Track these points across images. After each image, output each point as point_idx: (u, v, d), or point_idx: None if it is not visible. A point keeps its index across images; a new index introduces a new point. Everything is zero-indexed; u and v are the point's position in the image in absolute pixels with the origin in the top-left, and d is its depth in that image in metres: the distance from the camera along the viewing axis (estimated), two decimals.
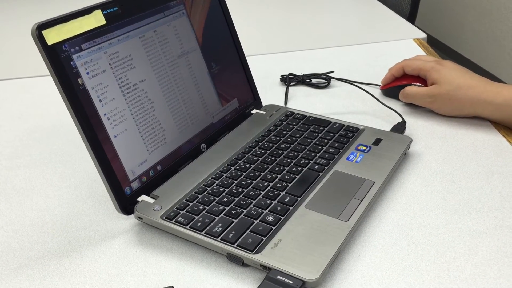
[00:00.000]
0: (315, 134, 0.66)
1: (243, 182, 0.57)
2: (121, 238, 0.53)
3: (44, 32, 0.47)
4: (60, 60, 0.48)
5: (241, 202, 0.54)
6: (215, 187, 0.56)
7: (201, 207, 0.53)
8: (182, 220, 0.51)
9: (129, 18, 0.55)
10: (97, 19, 0.52)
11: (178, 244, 0.52)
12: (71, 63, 0.49)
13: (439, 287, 0.46)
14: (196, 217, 0.52)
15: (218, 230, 0.50)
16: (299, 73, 0.88)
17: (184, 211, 0.53)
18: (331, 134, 0.66)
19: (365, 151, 0.62)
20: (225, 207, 0.53)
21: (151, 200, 0.55)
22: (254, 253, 0.47)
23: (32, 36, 0.47)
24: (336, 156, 0.61)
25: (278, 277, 0.45)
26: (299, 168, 0.59)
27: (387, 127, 0.70)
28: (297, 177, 0.58)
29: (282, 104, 0.79)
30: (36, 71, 0.95)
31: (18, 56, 1.03)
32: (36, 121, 0.78)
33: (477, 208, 0.55)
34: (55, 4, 1.37)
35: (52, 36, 0.48)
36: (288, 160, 0.61)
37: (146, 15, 0.58)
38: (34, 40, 0.47)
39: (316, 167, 0.60)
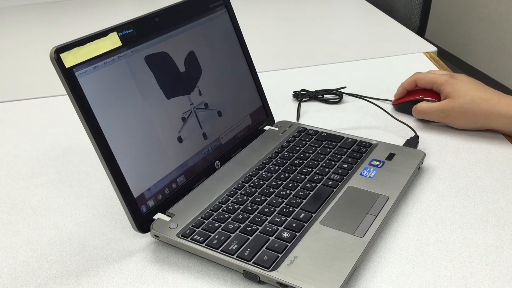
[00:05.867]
0: (328, 149, 0.66)
1: (258, 199, 0.57)
2: (138, 256, 0.54)
3: (62, 55, 0.48)
4: (77, 82, 0.50)
5: (256, 219, 0.54)
6: (230, 204, 0.57)
7: (216, 225, 0.53)
8: (198, 237, 0.52)
9: (144, 40, 0.57)
10: (113, 41, 0.53)
11: (194, 262, 0.52)
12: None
13: None
14: (212, 235, 0.52)
15: (234, 248, 0.50)
16: (311, 89, 0.88)
17: (199, 229, 0.53)
18: (344, 150, 0.66)
19: (379, 166, 0.62)
20: (241, 224, 0.53)
21: (167, 218, 0.55)
22: (271, 270, 0.48)
23: (50, 59, 0.48)
24: (349, 172, 0.62)
25: None
26: (313, 184, 0.59)
27: (400, 142, 0.70)
28: (311, 193, 0.58)
29: (295, 120, 0.80)
30: (53, 91, 0.96)
31: (35, 76, 1.05)
32: (53, 141, 0.79)
33: (493, 222, 0.55)
34: (71, 27, 1.40)
35: (70, 59, 0.49)
36: (302, 176, 0.61)
37: (160, 37, 0.59)
38: (53, 63, 0.48)
39: (330, 183, 0.60)
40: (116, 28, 0.54)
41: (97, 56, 0.52)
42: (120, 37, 0.54)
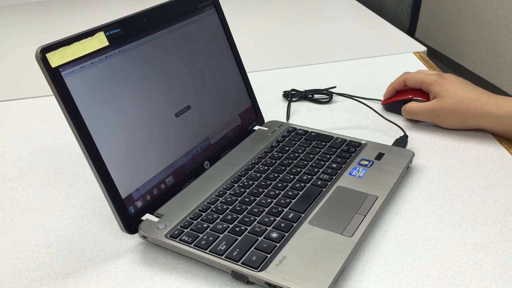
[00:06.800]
0: (317, 149, 0.66)
1: (247, 199, 0.57)
2: (126, 257, 0.53)
3: (48, 55, 0.48)
4: (63, 82, 0.49)
5: (245, 219, 0.54)
6: (218, 205, 0.56)
7: (205, 225, 0.53)
8: (187, 238, 0.52)
9: (131, 40, 0.56)
10: (100, 41, 0.53)
11: (182, 263, 0.52)
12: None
13: None
14: (200, 235, 0.52)
15: (222, 248, 0.50)
16: (301, 88, 0.88)
17: (188, 229, 0.53)
18: (334, 149, 0.66)
19: (368, 166, 0.62)
20: (229, 225, 0.53)
21: (155, 219, 0.55)
22: (259, 271, 0.48)
23: (36, 59, 0.48)
24: (338, 171, 0.62)
25: None
26: (302, 184, 0.59)
27: (389, 141, 0.71)
28: (300, 193, 0.58)
29: (284, 120, 0.79)
30: (40, 91, 0.96)
31: (22, 76, 1.05)
32: (40, 141, 0.78)
33: (481, 221, 0.55)
34: (60, 27, 1.39)
35: (56, 58, 0.49)
36: (291, 176, 0.61)
37: (148, 37, 0.58)
38: (38, 63, 0.48)
39: (319, 182, 0.60)
40: (103, 28, 0.53)
41: (84, 56, 0.51)
42: (107, 36, 0.54)
